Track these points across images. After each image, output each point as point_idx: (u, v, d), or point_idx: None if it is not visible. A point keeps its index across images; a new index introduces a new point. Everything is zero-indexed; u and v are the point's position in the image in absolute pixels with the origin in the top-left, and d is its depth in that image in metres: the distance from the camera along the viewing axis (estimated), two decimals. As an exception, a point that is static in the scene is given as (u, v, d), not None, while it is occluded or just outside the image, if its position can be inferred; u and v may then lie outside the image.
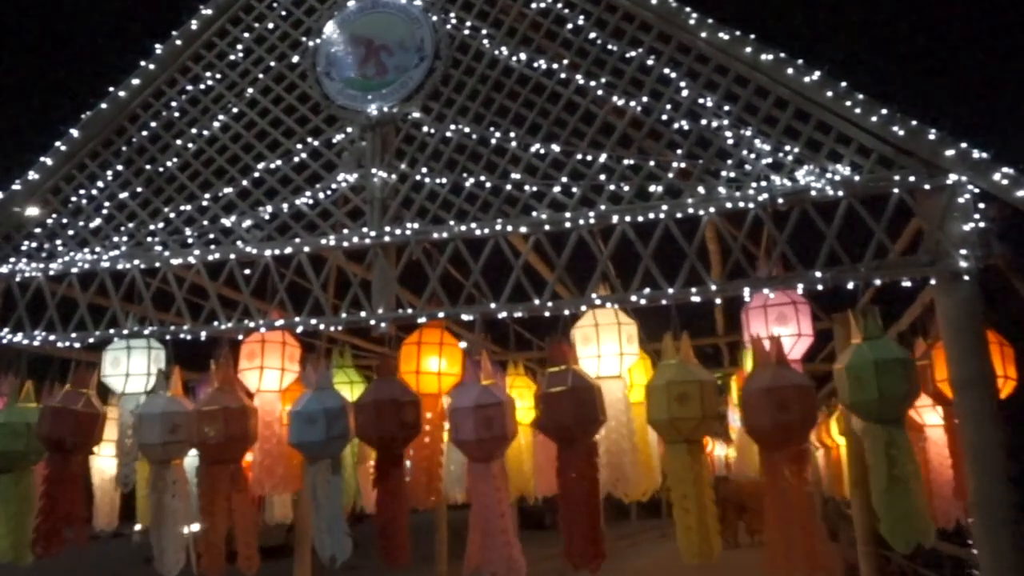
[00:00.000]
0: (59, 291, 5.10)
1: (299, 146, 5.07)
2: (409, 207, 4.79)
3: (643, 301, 4.38)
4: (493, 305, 4.53)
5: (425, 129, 4.91)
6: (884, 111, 4.19)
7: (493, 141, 4.78)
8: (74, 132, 5.33)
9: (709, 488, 4.18)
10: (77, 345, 5.04)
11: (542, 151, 4.69)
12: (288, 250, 4.84)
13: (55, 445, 4.81)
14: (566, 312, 4.56)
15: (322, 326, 4.78)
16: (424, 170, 4.82)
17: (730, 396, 6.80)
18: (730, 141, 4.46)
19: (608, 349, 4.76)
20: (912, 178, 4.13)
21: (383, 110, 4.97)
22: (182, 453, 4.86)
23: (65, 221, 5.29)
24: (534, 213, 4.59)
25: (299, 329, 4.81)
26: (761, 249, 4.88)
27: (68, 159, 5.36)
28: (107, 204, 5.24)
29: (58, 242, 5.24)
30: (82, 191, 5.32)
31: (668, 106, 4.59)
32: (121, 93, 5.35)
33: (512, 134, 4.76)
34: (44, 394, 4.99)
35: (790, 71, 4.38)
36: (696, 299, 4.35)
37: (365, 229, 4.79)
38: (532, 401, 6.87)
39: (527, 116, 4.78)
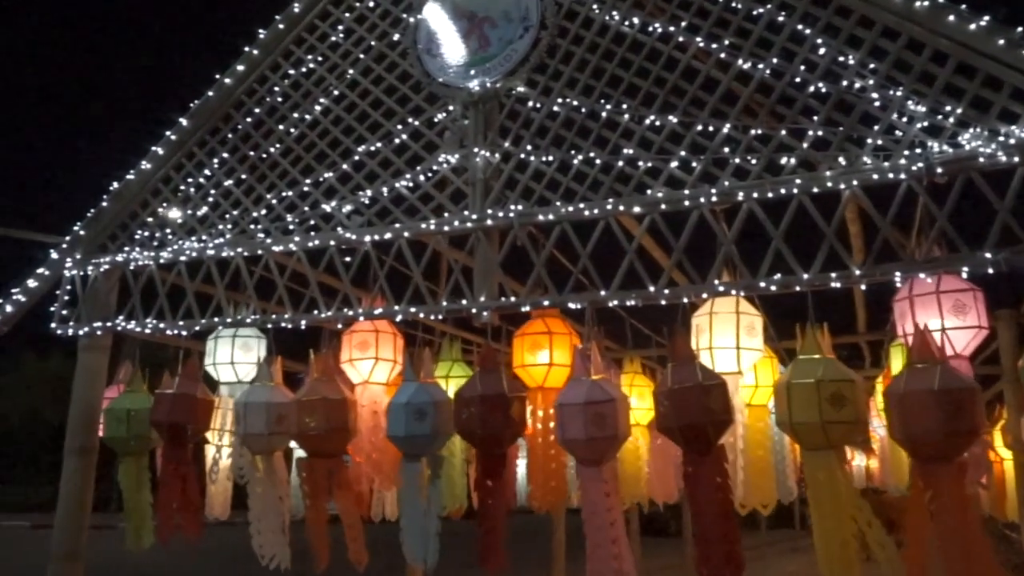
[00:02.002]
0: (168, 279, 5.11)
1: (399, 127, 4.84)
2: (513, 188, 4.47)
3: (773, 288, 3.88)
4: (603, 292, 4.14)
5: (530, 104, 4.57)
6: (1072, 59, 3.50)
7: (603, 114, 4.38)
8: (183, 121, 5.33)
9: (854, 500, 3.62)
10: (184, 333, 5.02)
11: (658, 123, 4.25)
12: (388, 235, 4.62)
13: (175, 431, 4.81)
14: (685, 300, 4.11)
15: (422, 315, 4.54)
16: (529, 148, 4.48)
17: (874, 401, 6.10)
18: (877, 104, 3.87)
19: (725, 342, 4.29)
20: (1109, 139, 3.43)
21: (486, 85, 4.66)
22: (285, 444, 4.76)
23: (175, 210, 5.29)
24: (649, 191, 4.16)
25: (398, 318, 4.58)
26: (914, 229, 4.25)
27: (178, 148, 5.37)
28: (213, 192, 5.21)
29: (168, 231, 5.25)
30: (190, 179, 5.31)
31: (802, 67, 4.05)
32: (227, 80, 5.31)
33: (624, 106, 4.34)
34: (164, 381, 4.99)
35: (951, 19, 3.75)
36: (836, 285, 3.81)
37: (467, 212, 4.50)
38: (651, 402, 6.48)
39: (641, 86, 4.35)
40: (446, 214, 4.56)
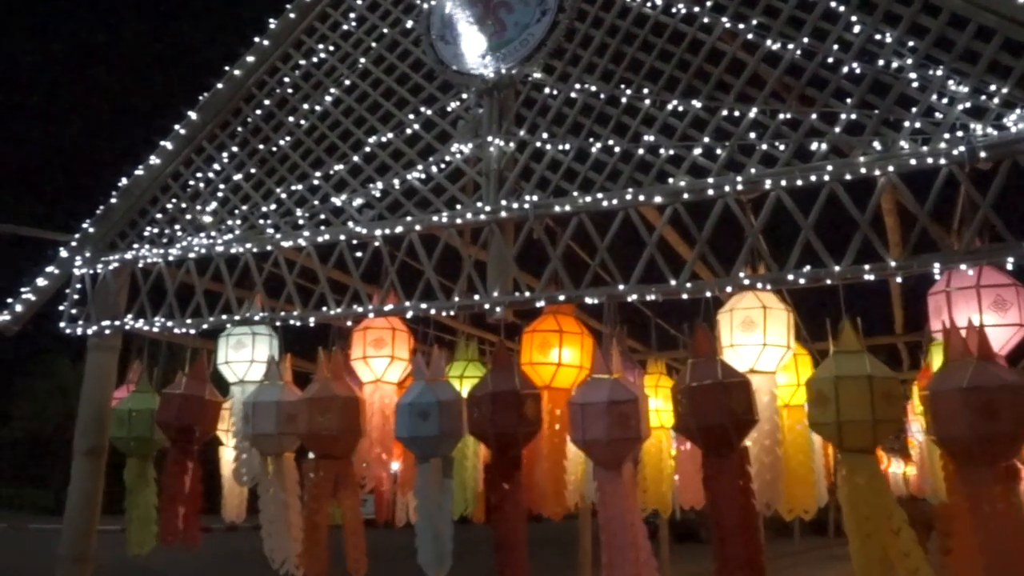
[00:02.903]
0: (177, 277, 4.98)
1: (412, 116, 4.68)
2: (528, 178, 4.28)
3: (803, 281, 3.64)
4: (622, 287, 3.93)
5: (547, 91, 4.38)
6: None
7: (623, 100, 4.18)
8: (192, 115, 5.21)
9: (892, 505, 3.39)
10: (192, 332, 4.89)
11: (680, 108, 4.04)
12: (399, 229, 4.45)
13: (183, 433, 4.68)
14: (708, 295, 3.89)
15: (434, 311, 4.36)
16: (545, 136, 4.29)
17: (911, 404, 5.83)
18: (915, 84, 3.63)
19: (756, 339, 4.05)
20: None
21: (501, 72, 4.48)
22: (295, 445, 4.61)
23: (184, 206, 5.17)
24: (671, 180, 3.95)
25: (409, 314, 4.41)
26: (955, 219, 3.99)
27: (187, 143, 5.25)
28: (222, 187, 5.08)
29: (177, 227, 5.13)
30: (199, 175, 5.19)
31: (835, 47, 3.81)
32: (237, 72, 5.18)
33: (645, 91, 4.14)
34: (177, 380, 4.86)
35: (997, -9, 3.50)
36: (870, 278, 3.57)
37: (480, 204, 4.32)
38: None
39: (663, 70, 4.14)
40: (459, 206, 4.38)
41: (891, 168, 3.56)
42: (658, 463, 6.32)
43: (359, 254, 4.56)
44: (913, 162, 3.52)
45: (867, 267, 3.54)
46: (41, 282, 5.27)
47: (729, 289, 3.82)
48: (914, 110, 3.59)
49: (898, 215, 4.58)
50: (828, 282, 3.61)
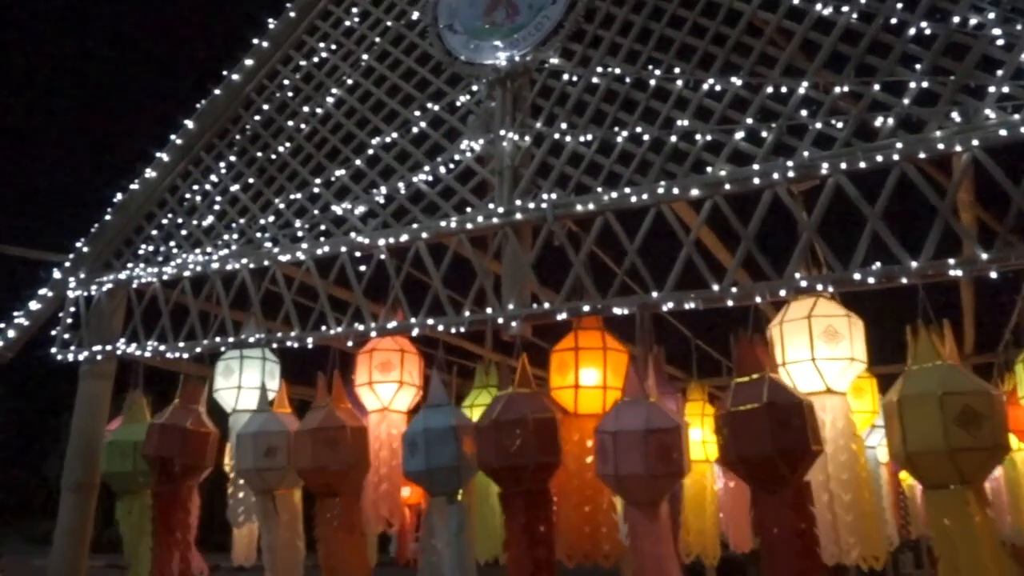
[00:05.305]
0: (172, 297, 4.58)
1: (417, 114, 4.23)
2: (546, 175, 3.79)
3: (871, 280, 3.05)
4: (656, 294, 3.38)
5: (565, 77, 3.90)
6: None
7: (652, 83, 3.67)
8: (189, 124, 4.85)
9: (995, 550, 2.76)
10: (186, 356, 4.47)
11: (718, 88, 3.51)
12: (404, 238, 3.98)
13: (163, 466, 4.25)
14: (758, 300, 3.31)
15: (441, 328, 3.85)
16: (564, 127, 3.80)
17: None
18: (999, 42, 3.06)
19: (842, 351, 3.43)
20: None
21: (514, 60, 4.02)
22: (284, 481, 4.09)
23: (180, 221, 4.79)
24: (709, 170, 3.42)
25: (415, 332, 3.92)
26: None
27: (185, 154, 4.89)
28: (219, 199, 4.69)
29: (172, 244, 4.74)
30: (196, 187, 4.81)
31: (899, 5, 3.26)
32: (235, 76, 4.82)
33: (677, 70, 3.63)
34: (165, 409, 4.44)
35: (1096, -74, 2.92)
36: (956, 273, 2.97)
37: (492, 206, 3.82)
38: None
39: (696, 46, 3.64)
40: (469, 209, 3.90)
41: (975, 142, 2.98)
42: (701, 501, 5.69)
43: (362, 268, 4.11)
44: (1003, 133, 2.94)
45: (952, 261, 2.94)
46: (34, 305, 4.93)
47: (784, 293, 3.22)
48: (1000, 73, 3.02)
49: (974, 205, 3.96)
50: (904, 281, 3.01)
